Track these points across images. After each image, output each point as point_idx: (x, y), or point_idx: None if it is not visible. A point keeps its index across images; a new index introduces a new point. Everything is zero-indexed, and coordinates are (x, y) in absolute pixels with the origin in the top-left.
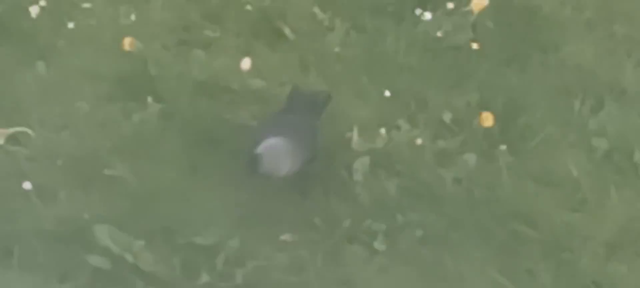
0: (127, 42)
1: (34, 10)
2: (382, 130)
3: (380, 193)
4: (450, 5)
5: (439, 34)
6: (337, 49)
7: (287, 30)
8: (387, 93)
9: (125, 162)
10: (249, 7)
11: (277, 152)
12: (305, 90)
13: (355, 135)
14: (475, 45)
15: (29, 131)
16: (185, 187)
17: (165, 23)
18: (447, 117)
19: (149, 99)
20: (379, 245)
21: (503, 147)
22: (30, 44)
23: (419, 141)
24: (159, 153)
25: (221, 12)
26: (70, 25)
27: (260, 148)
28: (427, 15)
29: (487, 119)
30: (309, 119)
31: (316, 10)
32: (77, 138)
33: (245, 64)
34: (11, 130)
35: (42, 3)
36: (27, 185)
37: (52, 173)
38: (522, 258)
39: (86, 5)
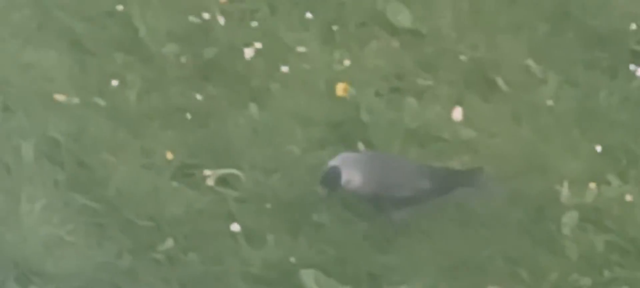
0: (341, 88)
1: (248, 53)
2: (592, 185)
3: (587, 248)
4: None
5: None
6: (549, 102)
7: (500, 82)
8: (598, 148)
9: (334, 207)
10: (462, 57)
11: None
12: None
13: (565, 189)
14: None
15: (239, 173)
16: (393, 234)
17: (379, 70)
18: None
19: (360, 145)
20: None
21: None
22: (243, 86)
23: (628, 197)
24: None
25: (435, 61)
26: (284, 68)
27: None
28: None
29: None
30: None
31: (530, 62)
32: (286, 182)
33: (457, 113)
34: (221, 171)
35: (258, 45)
36: (235, 227)
37: (260, 216)
38: None
39: (301, 49)
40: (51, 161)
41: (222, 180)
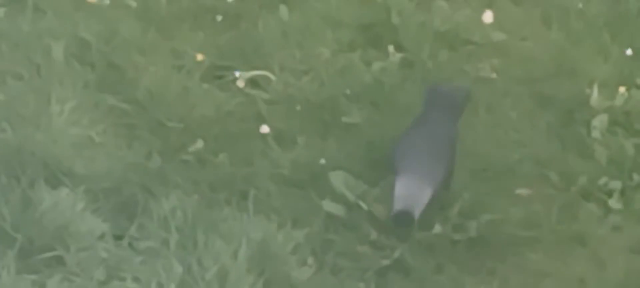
0: None
1: None
2: (622, 89)
3: (617, 152)
4: None
5: None
6: (580, 5)
7: None
8: (629, 51)
9: (364, 110)
10: None
11: (413, 194)
12: (443, 87)
13: (595, 92)
14: None
15: (270, 75)
16: None
17: None
18: None
19: (390, 48)
20: (614, 203)
21: None
22: None
23: None
24: (398, 103)
25: None
26: None
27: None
28: None
29: None
30: (447, 125)
31: None
32: (316, 84)
33: (487, 16)
34: (252, 73)
35: None
36: (265, 129)
37: (290, 118)
38: None
39: None
40: (81, 62)
41: (252, 82)
